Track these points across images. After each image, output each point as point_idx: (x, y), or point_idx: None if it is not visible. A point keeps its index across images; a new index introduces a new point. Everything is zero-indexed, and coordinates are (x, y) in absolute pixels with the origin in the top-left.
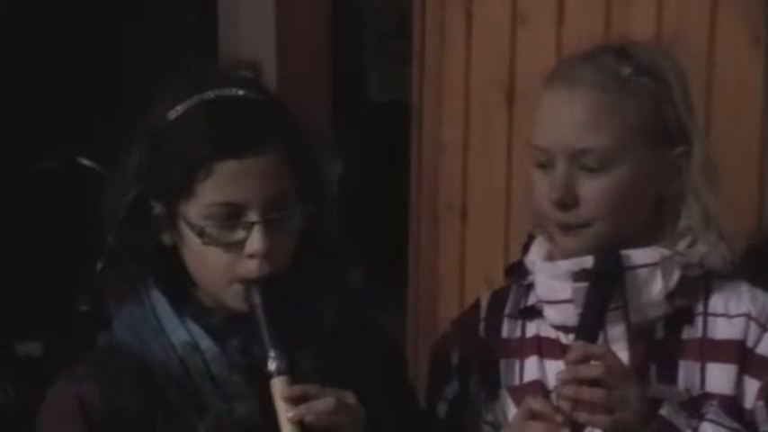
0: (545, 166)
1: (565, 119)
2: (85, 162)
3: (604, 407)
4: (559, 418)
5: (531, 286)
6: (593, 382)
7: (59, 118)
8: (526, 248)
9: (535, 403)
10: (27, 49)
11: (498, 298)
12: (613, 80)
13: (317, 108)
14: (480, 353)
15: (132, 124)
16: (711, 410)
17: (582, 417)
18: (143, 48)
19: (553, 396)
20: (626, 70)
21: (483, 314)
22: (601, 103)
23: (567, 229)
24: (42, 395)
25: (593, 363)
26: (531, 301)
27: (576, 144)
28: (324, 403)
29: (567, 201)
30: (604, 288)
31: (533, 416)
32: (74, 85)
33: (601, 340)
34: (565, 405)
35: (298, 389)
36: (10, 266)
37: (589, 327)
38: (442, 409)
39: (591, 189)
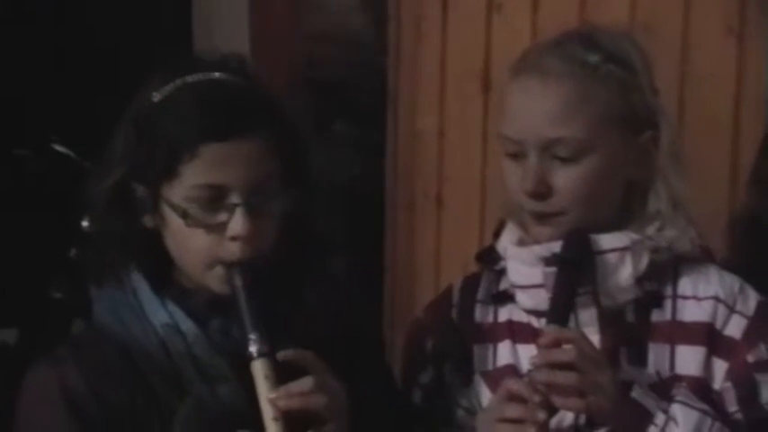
0: (516, 156)
1: (536, 109)
2: (59, 149)
3: (577, 391)
4: (537, 399)
5: (502, 272)
6: (565, 367)
7: (33, 105)
8: (497, 234)
9: (513, 384)
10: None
11: (470, 284)
12: (582, 69)
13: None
14: (453, 339)
15: (111, 111)
16: (681, 392)
17: (557, 400)
18: (118, 34)
19: (526, 380)
20: (593, 58)
21: (455, 300)
22: (572, 93)
23: (540, 218)
24: (17, 382)
25: (564, 347)
26: (503, 286)
27: (548, 134)
28: (302, 384)
29: (541, 191)
30: (573, 272)
31: (511, 397)
32: (47, 71)
33: (572, 324)
34: (539, 388)
35: (277, 371)
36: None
37: (559, 311)
38: (417, 395)
39: (564, 179)
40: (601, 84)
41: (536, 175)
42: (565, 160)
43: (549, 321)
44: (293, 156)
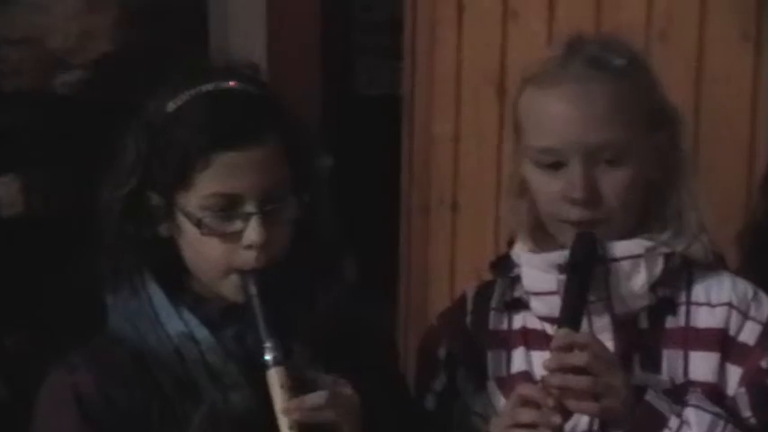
0: (554, 166)
1: (580, 116)
2: None
3: (591, 394)
4: (551, 403)
5: (516, 279)
6: (579, 370)
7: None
8: (511, 243)
9: (526, 389)
10: None
11: (484, 291)
12: (613, 73)
13: (307, 101)
14: (467, 345)
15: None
16: (694, 396)
17: (570, 404)
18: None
19: (539, 384)
20: (619, 61)
21: (469, 307)
22: (612, 97)
23: (586, 226)
24: (30, 389)
25: (577, 351)
26: (517, 293)
27: (595, 139)
28: (316, 398)
29: (592, 197)
30: (583, 275)
31: (525, 402)
32: None
33: (586, 330)
34: (552, 392)
35: (292, 379)
36: None
37: (571, 314)
38: (430, 401)
39: (612, 183)
40: (632, 86)
41: (586, 181)
42: (612, 164)
43: (561, 325)
44: (303, 161)
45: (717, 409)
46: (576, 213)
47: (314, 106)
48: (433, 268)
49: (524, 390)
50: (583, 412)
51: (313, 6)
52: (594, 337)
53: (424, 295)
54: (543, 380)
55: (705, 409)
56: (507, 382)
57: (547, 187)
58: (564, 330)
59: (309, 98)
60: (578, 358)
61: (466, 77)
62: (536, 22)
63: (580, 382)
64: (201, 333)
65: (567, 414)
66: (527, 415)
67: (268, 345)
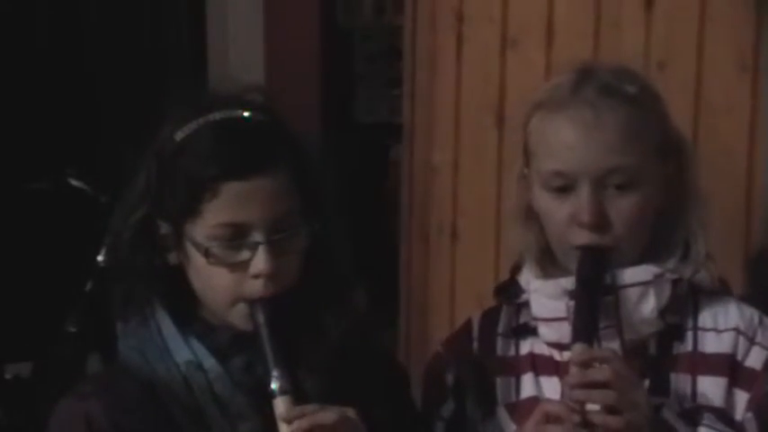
0: (563, 189)
1: (591, 141)
2: (76, 183)
3: (613, 409)
4: (576, 419)
5: (523, 305)
6: (600, 386)
7: (50, 139)
8: (515, 269)
9: (550, 405)
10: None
11: (489, 317)
12: (626, 99)
13: (306, 129)
14: (475, 372)
15: (132, 146)
16: (707, 416)
17: (596, 419)
18: (134, 69)
19: (562, 401)
20: (631, 88)
21: (476, 333)
22: (624, 123)
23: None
24: (32, 416)
25: (597, 366)
26: (524, 319)
27: (606, 164)
28: (323, 417)
29: (599, 221)
30: (593, 290)
31: (549, 419)
32: (64, 105)
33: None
34: (576, 408)
35: (299, 410)
36: None
37: (584, 329)
38: (439, 428)
39: (620, 209)
40: (643, 113)
41: (593, 205)
42: (621, 189)
43: (575, 340)
44: (312, 189)
45: (729, 430)
46: (583, 238)
47: (312, 135)
48: (434, 296)
49: (548, 406)
50: (608, 428)
51: (312, 36)
52: (614, 351)
53: (424, 323)
54: (566, 396)
55: (718, 429)
56: (517, 408)
57: (556, 211)
58: (580, 346)
59: (308, 127)
60: (601, 373)
61: (465, 106)
62: (535, 51)
63: (606, 396)
64: (209, 362)
65: (591, 430)
66: (553, 431)
67: (275, 374)
